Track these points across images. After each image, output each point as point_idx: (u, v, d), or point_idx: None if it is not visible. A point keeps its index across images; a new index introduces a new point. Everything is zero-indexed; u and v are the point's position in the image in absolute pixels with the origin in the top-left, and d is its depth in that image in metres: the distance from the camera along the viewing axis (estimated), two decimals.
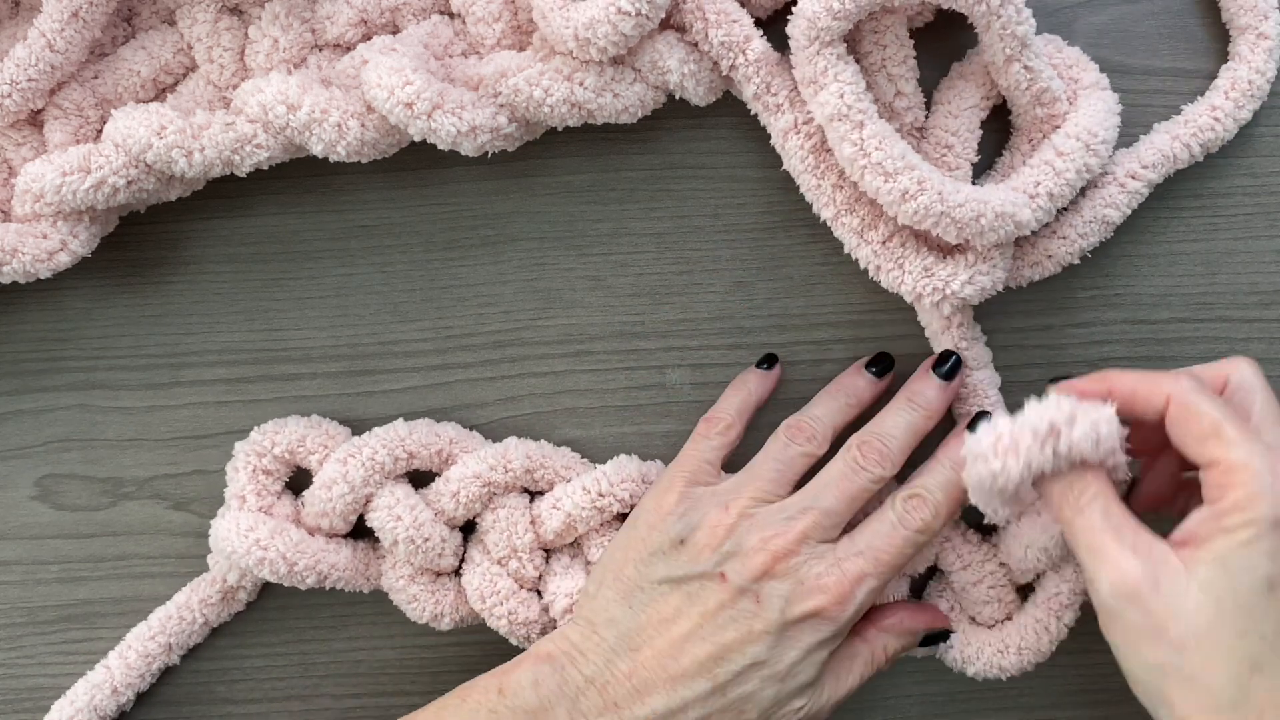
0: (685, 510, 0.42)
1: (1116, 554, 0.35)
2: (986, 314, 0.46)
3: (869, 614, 0.44)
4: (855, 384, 0.45)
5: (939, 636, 0.45)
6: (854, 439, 0.43)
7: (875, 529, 0.42)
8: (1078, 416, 0.36)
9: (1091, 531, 0.36)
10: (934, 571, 0.47)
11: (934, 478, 0.42)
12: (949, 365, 0.44)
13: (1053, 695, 0.48)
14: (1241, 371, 0.38)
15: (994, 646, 0.45)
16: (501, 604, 0.45)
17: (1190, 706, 0.34)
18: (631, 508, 0.45)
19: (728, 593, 0.40)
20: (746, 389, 0.45)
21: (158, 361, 0.47)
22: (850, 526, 0.43)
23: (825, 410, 0.44)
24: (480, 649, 0.48)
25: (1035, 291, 0.46)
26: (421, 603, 0.45)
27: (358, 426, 0.47)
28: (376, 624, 0.48)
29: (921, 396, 0.43)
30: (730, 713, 0.40)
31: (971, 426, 0.40)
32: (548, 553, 0.46)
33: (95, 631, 0.48)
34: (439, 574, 0.46)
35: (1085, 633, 0.47)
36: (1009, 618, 0.46)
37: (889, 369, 0.45)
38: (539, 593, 0.46)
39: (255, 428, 0.46)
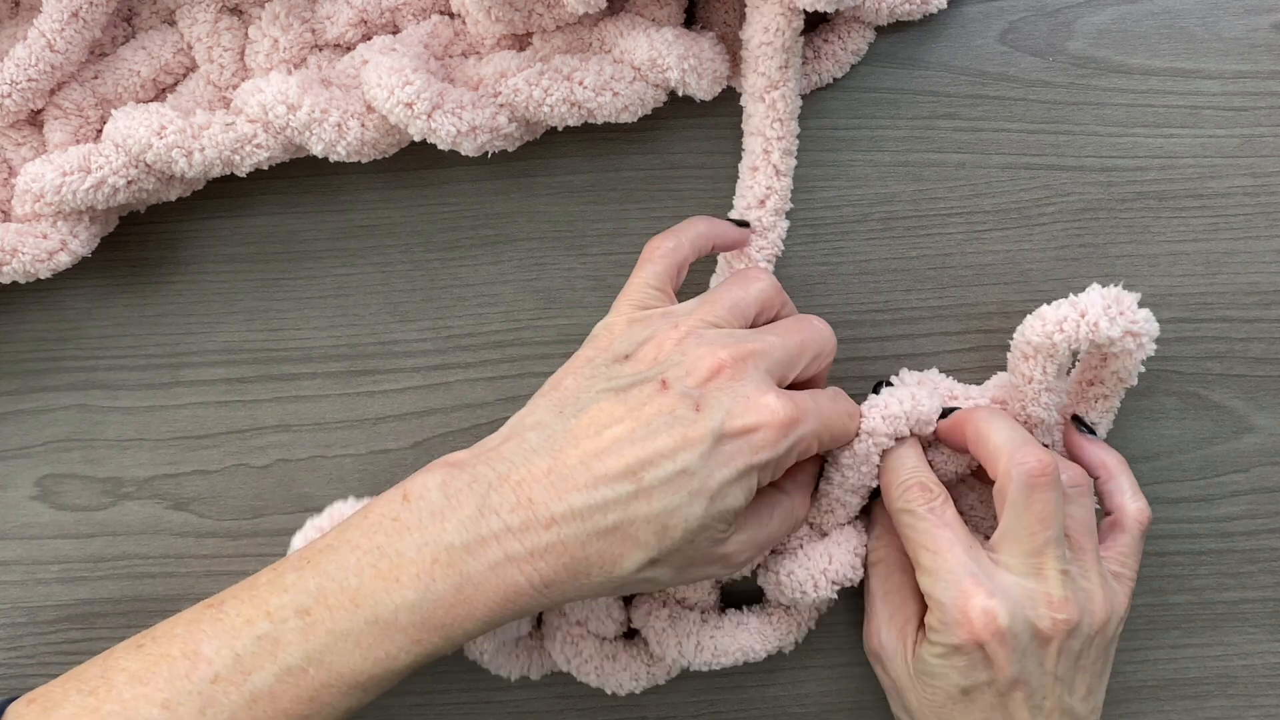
0: (632, 328, 0.40)
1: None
2: (987, 314, 0.46)
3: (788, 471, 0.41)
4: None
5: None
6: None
7: (820, 393, 0.40)
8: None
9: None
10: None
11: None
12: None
13: None
14: (1008, 477, 0.40)
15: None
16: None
17: None
18: None
19: (668, 397, 0.37)
20: (708, 223, 0.43)
21: (158, 361, 0.47)
22: None
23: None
24: None
25: (1036, 291, 0.46)
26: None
27: (358, 426, 0.47)
28: None
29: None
30: (653, 525, 0.37)
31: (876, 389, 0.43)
32: None
33: (95, 631, 0.48)
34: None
35: None
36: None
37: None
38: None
39: (326, 509, 0.45)
